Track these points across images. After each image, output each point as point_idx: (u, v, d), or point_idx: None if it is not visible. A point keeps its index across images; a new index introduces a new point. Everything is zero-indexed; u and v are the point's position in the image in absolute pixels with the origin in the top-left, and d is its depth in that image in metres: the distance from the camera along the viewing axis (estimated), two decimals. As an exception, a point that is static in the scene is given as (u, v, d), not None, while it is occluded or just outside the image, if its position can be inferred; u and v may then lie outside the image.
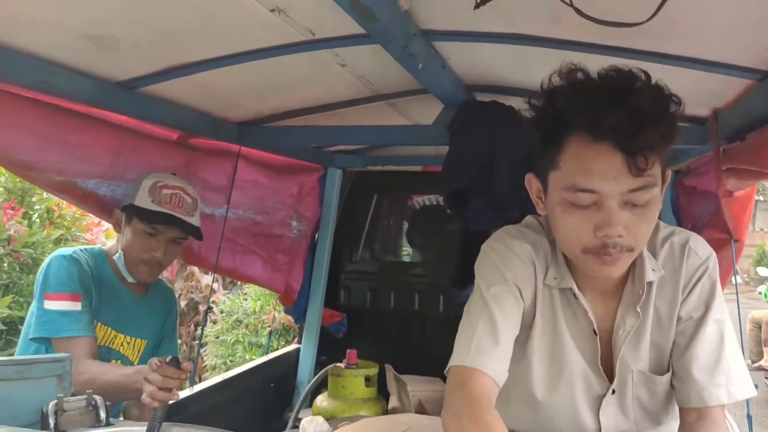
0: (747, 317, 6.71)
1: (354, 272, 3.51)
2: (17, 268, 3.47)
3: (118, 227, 2.05)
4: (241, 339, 4.94)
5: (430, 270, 3.44)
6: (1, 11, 1.35)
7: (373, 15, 1.32)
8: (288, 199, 3.05)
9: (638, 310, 1.22)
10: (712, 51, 1.53)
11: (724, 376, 1.18)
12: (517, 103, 1.97)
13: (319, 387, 2.85)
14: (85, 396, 1.39)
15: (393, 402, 2.83)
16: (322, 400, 2.79)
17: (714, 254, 1.26)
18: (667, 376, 1.26)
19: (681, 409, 1.23)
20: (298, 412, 2.69)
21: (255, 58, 1.78)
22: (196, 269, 5.21)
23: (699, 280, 1.22)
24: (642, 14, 1.14)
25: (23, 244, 3.41)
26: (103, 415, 1.40)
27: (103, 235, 4.09)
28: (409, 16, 1.51)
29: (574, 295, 1.23)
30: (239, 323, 5.07)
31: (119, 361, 1.99)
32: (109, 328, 1.99)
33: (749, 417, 2.05)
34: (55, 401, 1.35)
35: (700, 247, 1.25)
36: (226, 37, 1.67)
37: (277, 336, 4.77)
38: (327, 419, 2.63)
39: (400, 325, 3.34)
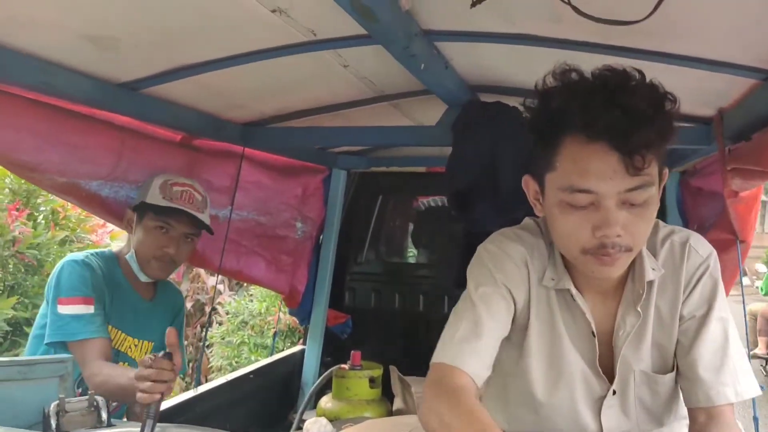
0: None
1: (359, 273, 3.50)
2: (22, 270, 3.48)
3: (129, 228, 2.06)
4: (246, 340, 4.96)
5: (435, 271, 3.43)
6: (1, 12, 1.35)
7: (374, 15, 1.31)
8: (292, 200, 3.05)
9: (639, 309, 1.21)
10: (715, 50, 1.52)
11: (731, 375, 1.17)
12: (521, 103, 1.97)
13: (324, 388, 2.85)
14: (87, 397, 1.39)
15: (397, 403, 2.82)
16: (326, 402, 2.79)
17: (715, 253, 1.25)
18: (670, 375, 1.25)
19: (690, 410, 1.22)
20: (302, 413, 2.69)
21: (257, 59, 1.77)
22: (202, 271, 5.23)
23: (700, 278, 1.22)
24: (641, 13, 1.14)
25: (28, 245, 3.43)
26: (104, 416, 1.40)
27: (108, 237, 4.10)
28: (410, 17, 1.50)
29: (572, 296, 1.22)
30: (245, 324, 5.08)
31: (126, 363, 2.01)
32: (118, 331, 2.00)
33: (756, 419, 2.03)
34: (57, 402, 1.35)
35: (700, 245, 1.24)
36: (227, 38, 1.67)
37: (282, 337, 4.78)
38: (331, 420, 2.63)
39: (405, 326, 3.33)
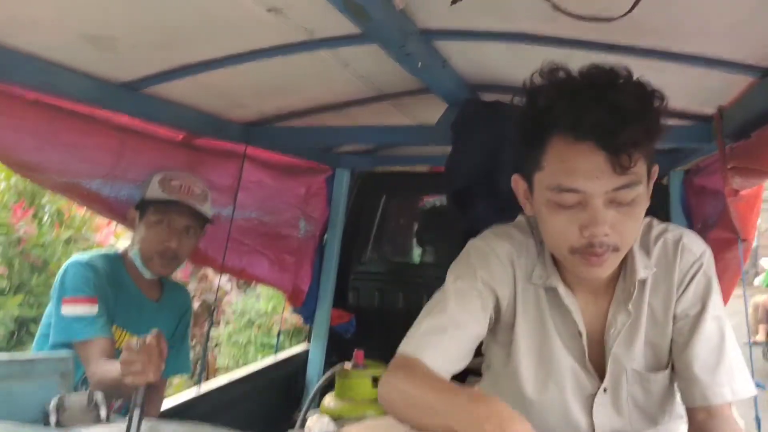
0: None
1: (362, 273, 3.51)
2: (28, 269, 3.50)
3: (133, 226, 2.08)
4: (253, 339, 4.98)
5: (439, 271, 3.41)
6: (1, 12, 1.37)
7: (367, 14, 1.32)
8: (295, 199, 3.06)
9: (630, 308, 1.21)
10: (713, 48, 1.51)
11: (727, 374, 1.17)
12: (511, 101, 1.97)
13: (329, 387, 2.86)
14: (86, 393, 1.41)
15: (400, 402, 2.82)
16: (329, 401, 2.80)
17: (709, 251, 1.24)
18: (663, 373, 1.24)
19: (688, 410, 1.22)
20: (306, 412, 2.70)
21: (256, 58, 1.78)
22: (210, 271, 5.25)
23: (694, 276, 1.21)
24: (624, 9, 1.14)
25: (33, 244, 3.45)
26: (103, 412, 1.41)
27: (113, 236, 4.13)
28: (405, 15, 1.51)
29: (560, 294, 1.22)
30: (251, 324, 5.11)
31: None
32: (123, 331, 2.01)
33: (758, 420, 2.02)
34: (57, 398, 1.36)
35: (694, 243, 1.23)
36: (226, 37, 1.68)
37: (289, 337, 4.79)
38: (334, 419, 2.64)
39: (409, 325, 3.31)
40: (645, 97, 1.04)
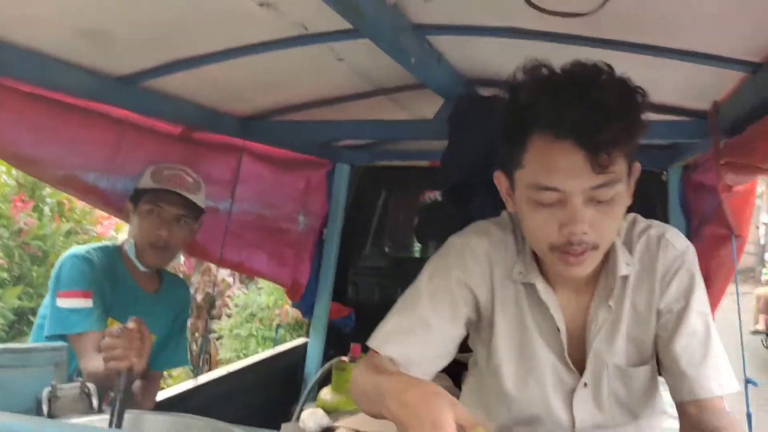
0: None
1: (362, 268, 3.52)
2: (28, 260, 3.53)
3: (128, 218, 2.09)
4: (254, 333, 5.01)
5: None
6: (-1, 7, 1.38)
7: (359, 9, 1.32)
8: (295, 193, 3.06)
9: (610, 304, 1.21)
10: (704, 43, 1.51)
11: (714, 369, 1.17)
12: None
13: (327, 380, 2.87)
14: (79, 384, 1.42)
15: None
16: (326, 394, 2.81)
17: (692, 247, 1.24)
18: (644, 368, 1.25)
19: (678, 405, 1.22)
20: (303, 405, 2.71)
21: (252, 52, 1.79)
22: (213, 265, 5.27)
23: (677, 272, 1.21)
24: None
25: (33, 236, 3.48)
26: (95, 402, 1.42)
27: (113, 229, 4.15)
28: (398, 10, 1.51)
29: (538, 290, 1.23)
30: (253, 317, 5.14)
31: None
32: (119, 323, 2.03)
33: (749, 416, 2.02)
34: (50, 388, 1.38)
35: (676, 239, 1.24)
36: (221, 32, 1.69)
37: (290, 330, 4.82)
38: (330, 412, 2.65)
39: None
40: (626, 95, 1.05)
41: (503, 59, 1.98)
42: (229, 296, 5.53)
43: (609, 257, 1.20)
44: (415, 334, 1.20)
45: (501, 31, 1.67)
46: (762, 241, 16.59)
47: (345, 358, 2.81)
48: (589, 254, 1.10)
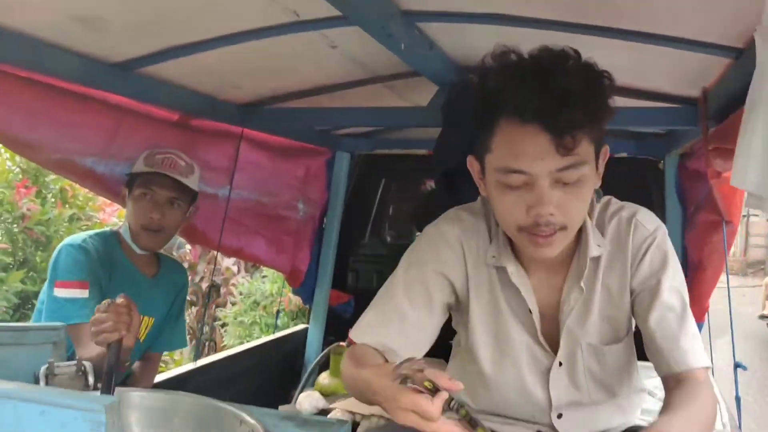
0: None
1: (362, 255, 3.55)
2: (31, 245, 3.59)
3: (124, 203, 2.12)
4: (258, 320, 5.06)
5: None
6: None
7: (344, -6, 1.34)
8: (294, 181, 3.09)
9: (582, 285, 1.24)
10: (691, 30, 1.52)
11: (689, 341, 1.19)
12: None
13: (325, 365, 2.92)
14: (75, 362, 1.46)
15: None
16: (324, 378, 2.85)
17: (663, 227, 1.26)
18: (618, 346, 1.27)
19: (662, 378, 1.23)
20: (302, 389, 2.76)
21: (245, 39, 1.81)
22: (218, 254, 5.32)
23: (647, 250, 1.23)
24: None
25: (36, 221, 3.52)
26: (91, 380, 1.46)
27: (116, 215, 4.20)
28: (385, -4, 1.53)
29: (509, 273, 1.25)
30: (257, 305, 5.18)
31: None
32: None
33: (738, 399, 2.03)
34: (47, 365, 1.42)
35: (647, 219, 1.26)
36: (215, 18, 1.70)
37: (292, 317, 4.86)
38: (328, 395, 2.70)
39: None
40: (592, 80, 1.07)
41: (493, 46, 2.00)
42: (233, 284, 5.58)
43: (581, 238, 1.23)
44: (392, 325, 1.24)
45: (489, 18, 1.68)
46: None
47: (343, 344, 2.85)
48: (558, 235, 1.13)
